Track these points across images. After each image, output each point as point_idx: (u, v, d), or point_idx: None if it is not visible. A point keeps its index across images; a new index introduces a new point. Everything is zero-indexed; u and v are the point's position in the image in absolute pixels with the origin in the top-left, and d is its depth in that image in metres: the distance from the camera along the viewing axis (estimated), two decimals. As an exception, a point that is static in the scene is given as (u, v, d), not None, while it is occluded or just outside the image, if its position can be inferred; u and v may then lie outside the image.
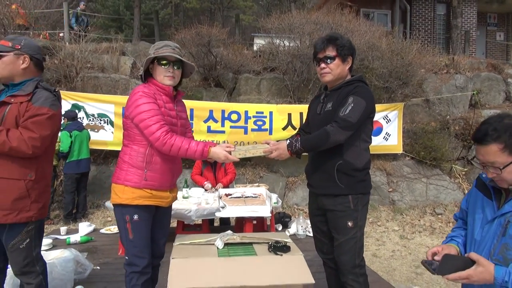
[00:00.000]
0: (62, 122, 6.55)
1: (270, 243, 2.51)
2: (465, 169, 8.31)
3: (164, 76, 2.42)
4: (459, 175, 8.16)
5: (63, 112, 6.60)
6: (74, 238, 4.54)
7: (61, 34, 10.16)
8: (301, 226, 4.93)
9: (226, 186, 5.24)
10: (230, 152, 2.38)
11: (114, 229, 4.91)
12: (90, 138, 6.65)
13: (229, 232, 2.70)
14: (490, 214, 1.61)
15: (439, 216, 7.29)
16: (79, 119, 6.73)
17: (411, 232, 6.67)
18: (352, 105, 2.32)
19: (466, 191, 7.84)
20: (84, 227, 4.92)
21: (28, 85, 2.30)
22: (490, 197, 1.63)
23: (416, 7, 14.06)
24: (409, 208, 7.49)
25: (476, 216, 1.69)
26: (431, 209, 7.50)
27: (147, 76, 2.50)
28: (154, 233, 2.51)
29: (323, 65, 2.47)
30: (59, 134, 6.38)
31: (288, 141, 2.41)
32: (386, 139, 7.95)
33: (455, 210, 7.40)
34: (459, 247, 1.74)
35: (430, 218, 7.20)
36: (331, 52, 2.45)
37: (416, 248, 5.95)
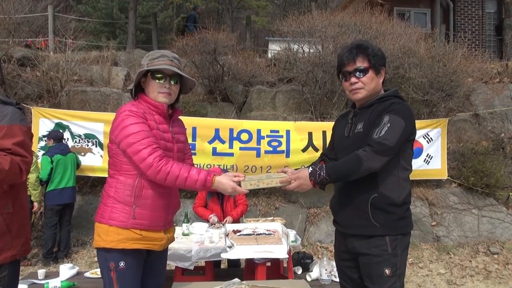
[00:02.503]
0: (45, 144, 6.67)
1: (287, 295, 2.43)
2: (526, 198, 8.10)
3: (159, 93, 2.39)
4: (518, 205, 7.96)
5: (46, 133, 6.75)
6: (54, 283, 4.47)
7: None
8: (325, 269, 4.80)
9: (236, 220, 5.17)
10: (239, 183, 2.33)
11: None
12: (77, 163, 6.67)
13: (237, 280, 2.63)
14: None
15: (495, 256, 7.07)
16: (64, 141, 6.77)
17: (460, 276, 6.47)
18: (389, 125, 2.27)
19: (527, 225, 7.62)
20: (66, 270, 4.85)
21: None
22: None
23: (461, 5, 14.04)
24: (457, 246, 7.31)
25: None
26: (484, 248, 7.29)
27: (138, 91, 2.47)
28: (145, 283, 2.45)
29: (353, 79, 2.43)
30: (39, 158, 6.48)
31: (311, 169, 2.35)
32: (428, 163, 7.83)
33: (515, 248, 7.20)
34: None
35: (484, 259, 7.00)
36: (362, 63, 2.41)
37: (468, 297, 5.76)
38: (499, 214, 7.78)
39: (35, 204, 6.43)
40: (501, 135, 8.68)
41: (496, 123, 8.81)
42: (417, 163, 7.59)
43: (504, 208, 7.90)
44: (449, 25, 13.35)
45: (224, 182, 2.30)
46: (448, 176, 7.96)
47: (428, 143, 7.83)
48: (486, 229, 7.61)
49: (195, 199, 5.49)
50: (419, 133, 7.53)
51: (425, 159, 7.81)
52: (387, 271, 2.34)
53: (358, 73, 2.41)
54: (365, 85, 2.42)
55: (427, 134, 7.82)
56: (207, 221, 5.10)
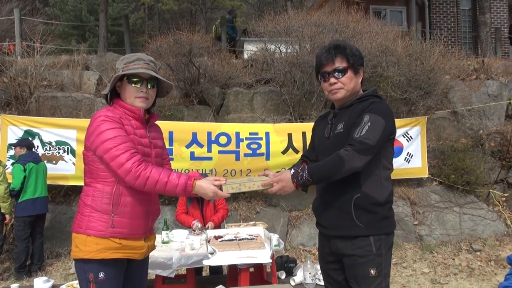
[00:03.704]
0: (13, 153, 6.54)
1: (272, 300, 2.44)
2: (506, 194, 8.28)
3: (136, 98, 2.38)
4: (499, 201, 8.12)
5: (14, 141, 6.63)
6: (28, 298, 4.41)
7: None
8: (309, 272, 4.83)
9: (217, 225, 5.17)
10: (220, 187, 2.34)
11: (77, 285, 4.77)
12: (47, 172, 6.56)
13: (220, 287, 2.62)
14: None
15: (478, 253, 7.20)
16: (33, 149, 6.65)
17: (444, 274, 6.56)
18: (369, 124, 2.30)
19: (508, 221, 7.80)
20: (41, 284, 4.78)
21: None
22: None
23: (436, 2, 14.34)
24: (440, 245, 7.41)
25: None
26: (467, 245, 7.42)
27: (113, 96, 2.45)
28: (126, 293, 2.42)
29: (333, 80, 2.46)
30: (10, 167, 6.36)
31: (293, 170, 2.37)
32: (408, 161, 7.93)
33: (497, 245, 7.34)
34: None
35: (467, 256, 7.12)
36: (341, 63, 2.45)
37: (452, 295, 5.85)
38: (480, 211, 7.92)
39: (6, 216, 6.30)
40: (480, 131, 8.86)
41: (474, 120, 8.98)
42: (397, 162, 7.68)
43: (484, 205, 8.05)
44: (425, 22, 13.57)
45: (205, 186, 2.30)
46: (428, 174, 8.07)
47: (408, 141, 7.93)
48: (468, 226, 7.74)
49: (175, 206, 5.46)
50: (398, 132, 7.63)
51: (406, 157, 7.91)
52: (372, 272, 2.36)
53: (337, 73, 2.44)
54: (344, 85, 2.45)
55: (407, 132, 7.92)
56: (190, 227, 5.09)
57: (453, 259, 7.03)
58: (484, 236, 7.65)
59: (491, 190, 8.22)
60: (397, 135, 8.15)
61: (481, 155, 8.41)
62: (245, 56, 10.96)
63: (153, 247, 2.57)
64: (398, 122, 7.60)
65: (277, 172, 2.48)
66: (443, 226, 7.70)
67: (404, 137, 7.90)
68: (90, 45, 16.76)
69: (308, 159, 2.72)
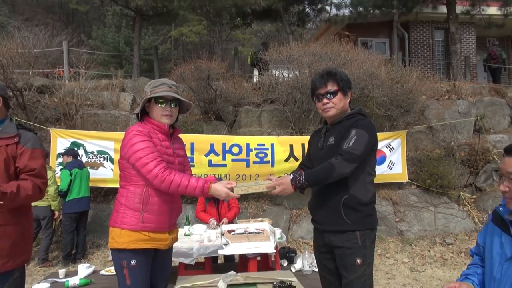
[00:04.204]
0: (61, 161, 6.61)
1: (274, 283, 2.45)
2: (474, 196, 8.20)
3: (162, 115, 2.42)
4: (468, 202, 8.04)
5: (62, 151, 6.70)
6: (73, 281, 4.40)
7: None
8: (307, 261, 4.80)
9: (230, 221, 5.18)
10: (231, 189, 2.35)
11: (113, 270, 4.78)
12: (89, 176, 6.62)
13: (232, 272, 2.63)
14: (510, 250, 1.55)
15: (450, 246, 7.13)
16: (78, 157, 6.71)
17: (421, 264, 6.51)
18: (356, 137, 2.31)
19: (476, 219, 7.71)
20: (83, 269, 4.78)
21: (8, 126, 2.26)
22: (509, 232, 1.57)
23: (414, 34, 14.32)
24: (418, 239, 7.34)
25: (494, 253, 1.62)
26: (441, 239, 7.34)
27: (144, 114, 2.49)
28: (154, 277, 2.44)
29: (325, 100, 2.48)
30: (59, 172, 6.43)
31: (292, 175, 2.39)
32: (391, 168, 7.89)
33: (466, 239, 7.26)
34: (475, 286, 1.67)
35: (441, 249, 7.05)
36: (332, 86, 2.46)
37: (427, 281, 5.79)
38: (452, 211, 7.84)
39: (56, 212, 6.37)
40: (451, 143, 8.79)
41: (447, 133, 8.93)
42: (381, 169, 7.64)
43: (456, 205, 7.97)
44: (405, 52, 13.55)
45: (218, 188, 2.32)
46: (408, 179, 8.03)
47: (390, 151, 7.90)
48: (441, 223, 7.66)
49: (195, 204, 5.47)
50: (382, 144, 7.63)
51: (388, 165, 7.87)
52: (358, 261, 2.36)
53: (329, 95, 2.46)
54: (335, 104, 2.47)
55: (389, 144, 7.89)
56: (207, 224, 5.10)
57: (429, 251, 6.97)
58: (455, 231, 7.57)
59: (461, 193, 8.14)
60: (380, 146, 8.15)
61: (453, 163, 8.35)
62: (254, 80, 11.01)
63: (176, 239, 2.58)
64: (381, 135, 7.60)
65: (279, 177, 2.50)
66: (421, 223, 7.63)
67: (387, 148, 7.87)
68: (126, 71, 16.90)
69: (305, 166, 2.72)
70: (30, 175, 2.21)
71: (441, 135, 8.91)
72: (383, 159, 7.77)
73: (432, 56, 14.35)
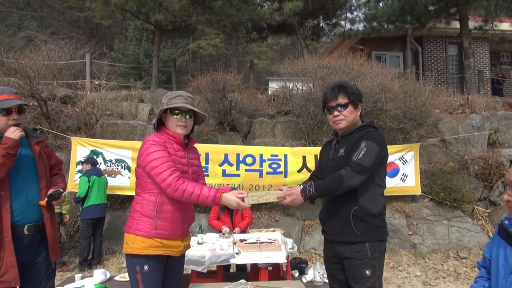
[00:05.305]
0: (80, 168, 6.72)
1: (284, 293, 2.42)
2: (488, 210, 8.01)
3: (177, 126, 2.45)
4: (482, 216, 7.86)
5: (82, 159, 6.82)
6: (88, 285, 4.45)
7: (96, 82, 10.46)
8: (318, 272, 4.75)
9: (243, 230, 5.18)
10: (242, 199, 2.36)
11: (128, 276, 4.81)
12: (107, 184, 6.71)
13: (243, 281, 2.63)
14: (515, 264, 1.52)
15: (464, 260, 6.96)
16: (97, 165, 6.81)
17: (434, 277, 6.36)
18: (365, 149, 2.31)
19: (490, 234, 7.52)
20: (99, 275, 4.83)
21: (32, 131, 2.65)
22: None
23: (428, 49, 14.21)
24: (431, 252, 7.18)
25: (499, 266, 1.59)
26: (454, 253, 7.18)
27: (160, 125, 2.52)
28: (166, 284, 2.45)
29: (336, 112, 2.48)
30: (78, 179, 6.53)
31: (302, 186, 2.38)
32: (404, 180, 7.77)
33: (480, 253, 7.07)
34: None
35: (454, 263, 6.88)
36: (343, 99, 2.47)
37: (440, 295, 5.65)
38: (466, 224, 7.68)
39: (66, 216, 6.49)
40: (465, 157, 8.64)
41: (460, 147, 8.79)
42: (394, 181, 7.54)
43: (470, 219, 7.80)
44: (419, 65, 13.46)
45: (230, 198, 2.32)
46: (421, 192, 7.88)
47: (404, 164, 7.79)
48: (455, 237, 7.50)
49: (208, 213, 5.48)
50: (395, 156, 7.54)
51: (401, 177, 7.75)
52: (367, 272, 2.33)
53: (339, 107, 2.46)
54: (345, 117, 2.47)
55: (402, 156, 7.79)
56: (220, 231, 5.10)
57: (442, 264, 6.82)
58: (469, 245, 7.39)
59: (475, 207, 7.96)
60: (394, 158, 8.02)
61: (466, 177, 8.19)
62: (269, 92, 11.05)
63: (188, 247, 2.59)
64: (395, 148, 7.52)
65: (289, 187, 2.49)
66: (434, 236, 7.48)
67: (400, 161, 7.76)
68: (145, 82, 17.15)
69: (316, 177, 2.71)
70: (60, 170, 2.69)
71: (455, 148, 8.77)
72: (396, 171, 7.67)
73: (445, 70, 14.20)
